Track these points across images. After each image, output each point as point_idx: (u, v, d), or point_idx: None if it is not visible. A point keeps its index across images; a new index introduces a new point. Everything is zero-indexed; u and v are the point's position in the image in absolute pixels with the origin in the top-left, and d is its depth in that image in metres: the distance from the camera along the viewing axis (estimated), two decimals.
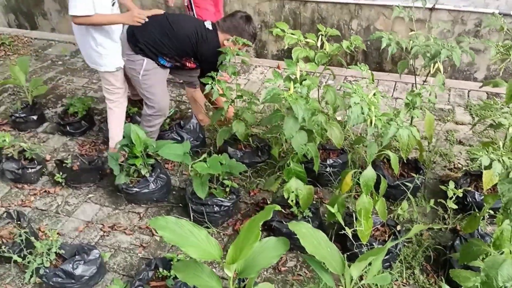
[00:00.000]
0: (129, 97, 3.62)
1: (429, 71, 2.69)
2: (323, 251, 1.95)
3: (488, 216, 2.75)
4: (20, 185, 3.34)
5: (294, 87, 2.38)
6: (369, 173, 2.32)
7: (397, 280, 2.53)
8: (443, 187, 2.74)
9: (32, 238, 2.59)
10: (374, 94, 2.26)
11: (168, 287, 2.36)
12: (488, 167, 2.03)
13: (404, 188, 2.84)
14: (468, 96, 4.29)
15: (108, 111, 3.38)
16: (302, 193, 2.61)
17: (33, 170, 3.31)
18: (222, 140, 3.28)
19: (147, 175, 3.06)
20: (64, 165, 3.25)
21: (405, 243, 2.70)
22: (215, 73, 3.14)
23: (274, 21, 4.90)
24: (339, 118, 3.78)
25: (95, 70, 4.91)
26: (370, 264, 1.99)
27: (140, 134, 2.94)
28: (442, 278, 2.50)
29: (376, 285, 2.40)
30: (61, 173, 3.26)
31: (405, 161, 2.98)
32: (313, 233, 1.99)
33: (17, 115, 3.93)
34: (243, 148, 3.41)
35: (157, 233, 2.87)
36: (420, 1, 2.65)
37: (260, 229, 1.81)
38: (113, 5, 3.02)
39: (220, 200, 2.86)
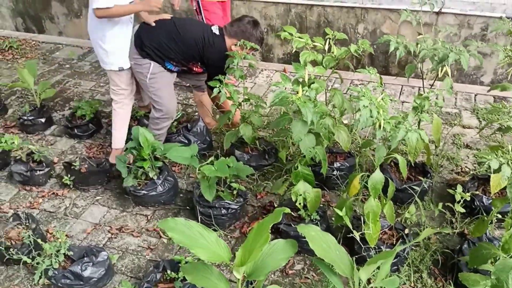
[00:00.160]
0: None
1: (437, 74, 2.69)
2: (332, 254, 1.95)
3: (496, 220, 2.75)
4: (28, 187, 3.36)
5: (303, 90, 2.39)
6: (377, 176, 2.32)
7: (404, 283, 2.52)
8: (450, 191, 2.74)
9: (40, 240, 2.60)
10: (383, 99, 2.26)
11: None
12: (497, 170, 2.03)
13: (412, 191, 2.84)
14: (475, 100, 4.29)
15: (113, 112, 3.44)
16: (309, 196, 2.61)
17: (41, 172, 3.33)
18: (229, 143, 3.29)
19: (155, 177, 3.07)
20: (72, 167, 3.27)
21: (413, 247, 2.70)
22: (222, 76, 3.16)
23: (281, 25, 4.92)
24: (345, 122, 3.79)
25: (102, 74, 5.01)
26: (378, 267, 1.99)
27: (148, 137, 2.96)
28: (450, 282, 2.50)
29: None
30: (69, 176, 3.27)
31: (412, 164, 2.99)
32: (322, 236, 1.99)
33: (25, 118, 3.96)
34: (250, 151, 3.42)
35: (164, 235, 2.90)
36: (428, 5, 2.65)
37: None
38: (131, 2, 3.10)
39: (228, 203, 2.87)
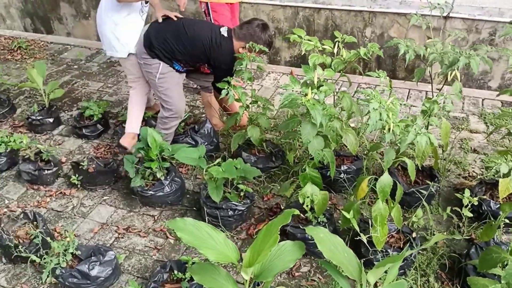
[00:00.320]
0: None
1: (446, 78, 2.69)
2: (340, 256, 1.95)
3: (504, 225, 2.74)
4: (36, 186, 3.38)
5: (312, 93, 2.39)
6: (386, 179, 2.32)
7: (411, 287, 2.52)
8: (458, 195, 2.73)
9: (48, 239, 2.61)
10: (392, 102, 2.26)
11: None
12: (507, 175, 2.02)
13: (419, 195, 2.83)
14: (482, 104, 4.28)
15: (129, 98, 3.62)
16: (317, 199, 2.61)
17: (49, 171, 3.35)
18: (236, 144, 3.30)
19: (162, 178, 3.08)
20: (80, 167, 3.28)
21: (420, 251, 2.69)
22: (230, 78, 3.17)
23: (288, 28, 4.93)
24: (352, 125, 3.79)
25: (110, 75, 5.03)
26: (385, 271, 1.99)
27: (156, 138, 2.97)
28: (457, 286, 2.49)
29: None
30: (77, 175, 3.29)
31: (420, 168, 2.98)
32: (330, 238, 1.99)
33: (34, 117, 3.98)
34: (257, 153, 3.43)
35: (171, 235, 2.90)
36: (438, 9, 2.66)
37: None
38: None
39: (234, 204, 2.87)
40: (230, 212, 2.87)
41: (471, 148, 3.65)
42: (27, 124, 4.06)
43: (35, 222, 2.82)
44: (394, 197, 2.47)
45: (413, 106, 4.27)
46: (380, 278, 2.08)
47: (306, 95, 2.41)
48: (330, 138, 2.63)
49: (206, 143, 3.54)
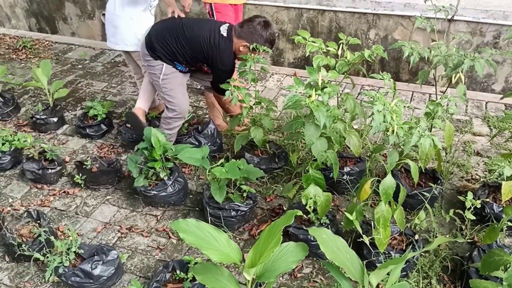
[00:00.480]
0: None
1: (450, 81, 2.69)
2: (342, 257, 1.95)
3: (506, 228, 2.74)
4: (39, 185, 3.39)
5: (316, 94, 2.40)
6: (389, 181, 2.32)
7: None
8: (461, 198, 2.73)
9: (52, 238, 2.62)
10: (396, 104, 2.26)
11: None
12: (510, 177, 2.02)
13: (422, 197, 2.83)
14: (486, 107, 4.27)
15: (144, 77, 3.66)
16: (320, 200, 2.61)
17: (53, 171, 3.36)
18: (239, 145, 3.31)
19: (165, 178, 3.09)
20: (83, 166, 3.29)
21: (422, 253, 2.69)
22: (233, 78, 3.17)
23: (292, 30, 4.94)
24: (355, 127, 3.79)
25: (114, 75, 5.05)
26: (388, 273, 1.99)
27: (160, 138, 2.98)
28: None
29: None
30: (80, 175, 3.30)
31: (423, 170, 2.98)
32: (333, 239, 1.99)
33: (38, 116, 4.00)
34: (260, 154, 3.43)
35: (174, 235, 2.91)
36: (443, 12, 2.66)
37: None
38: None
39: (237, 205, 2.88)
40: (233, 213, 2.88)
41: (474, 151, 3.65)
42: (31, 123, 4.08)
43: (38, 221, 2.83)
44: (397, 199, 2.48)
45: (417, 108, 4.26)
46: (382, 280, 2.08)
47: (310, 96, 2.41)
48: (334, 140, 2.63)
49: (209, 144, 3.55)
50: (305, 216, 2.77)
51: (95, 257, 2.56)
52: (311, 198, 2.59)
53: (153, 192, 3.06)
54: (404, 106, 2.42)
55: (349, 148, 2.85)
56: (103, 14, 3.77)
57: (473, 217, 2.66)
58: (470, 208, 2.64)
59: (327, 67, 2.70)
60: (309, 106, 2.32)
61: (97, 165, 3.31)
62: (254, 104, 3.29)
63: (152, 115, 3.85)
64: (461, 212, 2.71)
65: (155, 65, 3.25)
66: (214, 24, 3.23)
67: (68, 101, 4.56)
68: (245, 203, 2.91)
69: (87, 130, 3.89)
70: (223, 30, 3.17)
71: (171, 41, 3.17)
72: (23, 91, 4.74)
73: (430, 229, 2.87)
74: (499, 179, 3.22)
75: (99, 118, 3.90)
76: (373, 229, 2.48)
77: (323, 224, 2.71)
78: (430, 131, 2.83)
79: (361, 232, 2.44)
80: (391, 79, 2.60)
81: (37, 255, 2.57)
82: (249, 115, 3.43)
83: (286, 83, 4.82)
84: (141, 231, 2.98)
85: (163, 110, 3.53)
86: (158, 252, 2.83)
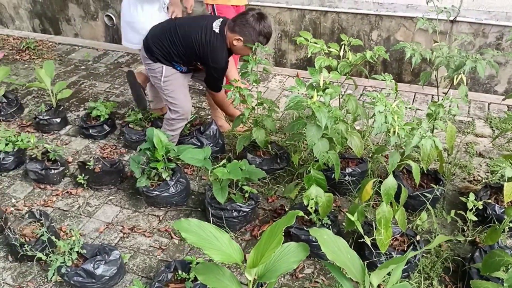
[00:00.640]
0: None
1: (452, 82, 2.70)
2: (343, 258, 1.96)
3: (508, 229, 2.73)
4: (43, 185, 3.41)
5: (317, 95, 2.40)
6: (391, 182, 2.32)
7: None
8: (463, 199, 2.73)
9: (54, 238, 2.63)
10: (398, 105, 2.27)
11: None
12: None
13: (424, 198, 2.83)
14: (489, 109, 4.27)
15: None
16: (321, 200, 2.62)
17: (56, 171, 3.38)
18: (241, 146, 3.32)
19: (168, 179, 3.10)
20: (86, 167, 3.31)
21: (424, 254, 2.69)
22: (236, 80, 3.18)
23: (295, 31, 4.94)
24: (357, 128, 3.79)
25: (117, 76, 5.07)
26: (389, 273, 1.99)
27: (162, 139, 2.99)
28: None
29: None
30: (83, 175, 3.31)
31: (425, 171, 2.98)
32: (334, 239, 2.00)
33: (41, 117, 4.01)
34: (262, 155, 3.44)
35: (176, 236, 2.92)
36: (445, 13, 2.66)
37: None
38: None
39: (239, 206, 2.89)
40: (235, 213, 2.89)
41: (476, 152, 3.64)
42: (34, 123, 4.10)
43: (41, 221, 2.84)
44: (398, 200, 2.48)
45: (419, 109, 4.27)
46: (384, 281, 2.08)
47: (311, 97, 2.42)
48: (335, 141, 2.63)
49: (211, 145, 3.56)
50: (306, 217, 2.77)
51: (98, 257, 2.57)
52: (312, 199, 2.60)
53: (155, 192, 3.08)
54: (406, 107, 2.42)
55: (351, 149, 2.85)
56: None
57: (475, 218, 2.66)
58: (472, 209, 2.64)
59: (329, 68, 2.70)
60: (311, 107, 2.33)
61: (100, 166, 3.33)
62: (256, 105, 3.30)
63: (154, 116, 3.86)
64: (463, 213, 2.71)
65: (155, 68, 3.26)
66: (207, 21, 3.16)
67: (71, 102, 4.57)
68: (247, 204, 2.92)
69: (90, 131, 3.91)
70: (216, 26, 3.11)
71: (166, 42, 3.17)
72: (27, 92, 4.77)
73: (431, 230, 2.87)
74: (501, 180, 3.22)
75: (102, 119, 3.91)
76: (374, 230, 2.48)
77: (325, 224, 2.72)
78: (432, 132, 2.83)
79: (362, 233, 2.44)
80: (393, 80, 2.60)
81: (39, 255, 2.58)
82: (251, 116, 3.44)
83: (289, 84, 4.82)
84: (143, 231, 2.99)
85: (166, 112, 3.54)
86: (160, 252, 2.83)
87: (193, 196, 3.29)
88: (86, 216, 3.13)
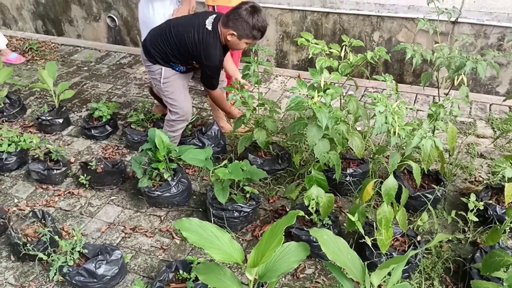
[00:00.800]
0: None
1: (453, 83, 2.70)
2: (344, 258, 1.96)
3: (509, 230, 2.73)
4: (45, 185, 3.42)
5: (318, 96, 2.41)
6: (391, 182, 2.33)
7: None
8: (464, 199, 2.73)
9: (56, 237, 2.65)
10: (398, 105, 2.27)
11: None
12: None
13: (425, 199, 2.84)
14: (490, 109, 4.27)
15: None
16: (322, 201, 2.63)
17: (58, 171, 3.39)
18: (243, 147, 3.32)
19: (169, 179, 3.11)
20: (88, 167, 3.32)
21: (425, 254, 2.70)
22: (237, 82, 3.19)
23: (296, 32, 4.95)
24: (359, 129, 3.80)
25: (119, 76, 5.08)
26: (389, 273, 2.00)
27: (164, 139, 3.00)
28: None
29: None
30: (85, 175, 3.33)
31: (426, 172, 2.99)
32: (334, 240, 2.00)
33: (44, 118, 4.03)
34: (263, 156, 3.45)
35: (177, 236, 2.93)
36: (446, 14, 2.66)
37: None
38: None
39: (240, 206, 2.90)
40: (236, 214, 2.89)
41: (477, 153, 3.65)
42: (37, 124, 4.12)
43: (43, 221, 2.86)
44: (399, 200, 2.48)
45: (420, 110, 4.27)
46: (384, 281, 2.09)
47: (312, 98, 2.43)
48: (336, 141, 2.64)
49: (213, 145, 3.57)
50: (307, 217, 2.78)
51: (99, 256, 2.58)
52: (313, 199, 2.61)
53: (157, 192, 3.09)
54: (407, 108, 2.43)
55: (352, 150, 2.86)
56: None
57: (476, 219, 2.66)
58: (473, 210, 2.64)
59: (330, 69, 2.71)
60: (312, 107, 2.34)
61: (102, 166, 3.34)
62: (257, 106, 3.31)
63: (156, 117, 3.87)
64: (464, 214, 2.71)
65: (154, 70, 3.27)
66: (200, 19, 3.11)
67: (74, 103, 4.59)
68: (248, 204, 2.93)
69: (92, 131, 3.92)
70: (208, 23, 3.05)
71: (162, 43, 3.17)
72: (29, 93, 4.79)
73: (432, 230, 2.87)
74: (502, 181, 3.22)
75: (104, 120, 3.93)
76: (375, 230, 2.49)
77: (326, 225, 2.72)
78: (433, 133, 2.84)
79: (363, 233, 2.45)
80: (394, 81, 2.61)
81: (41, 254, 2.59)
82: (252, 116, 3.45)
83: (290, 85, 4.83)
84: (145, 231, 3.00)
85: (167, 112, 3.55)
86: (162, 252, 2.84)
87: (194, 197, 3.29)
88: (88, 216, 3.15)
